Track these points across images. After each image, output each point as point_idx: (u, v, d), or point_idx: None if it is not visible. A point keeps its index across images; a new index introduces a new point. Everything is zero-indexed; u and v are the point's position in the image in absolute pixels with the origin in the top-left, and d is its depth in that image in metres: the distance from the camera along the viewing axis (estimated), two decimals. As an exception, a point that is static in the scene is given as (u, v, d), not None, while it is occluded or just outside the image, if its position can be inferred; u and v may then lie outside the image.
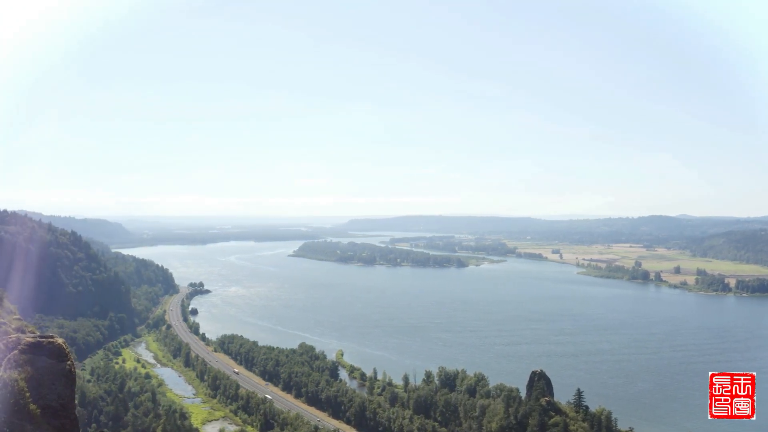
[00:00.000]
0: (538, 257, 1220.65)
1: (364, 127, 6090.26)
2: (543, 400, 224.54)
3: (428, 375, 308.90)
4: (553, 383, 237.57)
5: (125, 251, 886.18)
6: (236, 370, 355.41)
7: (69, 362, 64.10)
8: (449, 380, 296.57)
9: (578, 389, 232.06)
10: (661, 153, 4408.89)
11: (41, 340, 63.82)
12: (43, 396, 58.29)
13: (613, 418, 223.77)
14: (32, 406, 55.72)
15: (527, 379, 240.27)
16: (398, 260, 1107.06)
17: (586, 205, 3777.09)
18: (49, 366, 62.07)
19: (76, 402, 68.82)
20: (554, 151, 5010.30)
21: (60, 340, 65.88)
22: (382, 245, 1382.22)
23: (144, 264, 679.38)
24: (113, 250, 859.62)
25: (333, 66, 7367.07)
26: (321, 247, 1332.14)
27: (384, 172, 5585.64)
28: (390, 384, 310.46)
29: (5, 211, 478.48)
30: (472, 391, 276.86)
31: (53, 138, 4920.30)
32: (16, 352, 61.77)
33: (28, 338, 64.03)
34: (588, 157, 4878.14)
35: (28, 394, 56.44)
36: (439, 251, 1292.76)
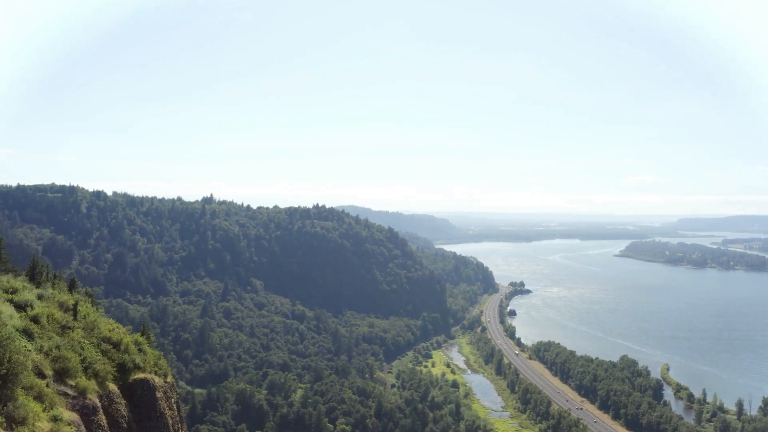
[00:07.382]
0: None
1: (690, 123, 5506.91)
2: None
3: (766, 403, 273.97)
4: None
5: (448, 247, 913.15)
6: (523, 356, 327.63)
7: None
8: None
9: None
10: None
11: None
12: None
13: None
14: None
15: None
16: (731, 263, 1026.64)
17: None
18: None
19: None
20: None
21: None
22: (714, 246, 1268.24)
23: (463, 261, 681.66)
24: (436, 246, 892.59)
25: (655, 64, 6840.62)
26: (648, 248, 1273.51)
27: (714, 170, 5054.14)
28: (721, 409, 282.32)
29: (323, 206, 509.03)
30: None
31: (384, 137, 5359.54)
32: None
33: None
34: None
35: None
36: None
